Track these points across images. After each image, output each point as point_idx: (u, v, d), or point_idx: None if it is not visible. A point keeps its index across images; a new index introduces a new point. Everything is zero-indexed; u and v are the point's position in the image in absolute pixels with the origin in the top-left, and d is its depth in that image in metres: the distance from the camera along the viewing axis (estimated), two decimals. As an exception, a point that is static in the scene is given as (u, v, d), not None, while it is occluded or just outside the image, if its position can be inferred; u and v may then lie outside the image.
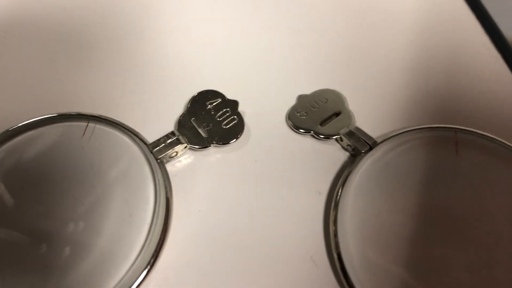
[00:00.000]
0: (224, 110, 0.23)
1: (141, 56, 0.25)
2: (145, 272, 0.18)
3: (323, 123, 0.23)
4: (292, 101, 0.23)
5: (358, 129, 0.22)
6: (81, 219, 0.20)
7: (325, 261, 0.19)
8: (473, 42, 0.26)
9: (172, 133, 0.22)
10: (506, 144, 0.21)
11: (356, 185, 0.21)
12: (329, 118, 0.23)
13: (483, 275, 0.19)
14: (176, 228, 0.20)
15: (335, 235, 0.19)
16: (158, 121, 0.23)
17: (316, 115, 0.23)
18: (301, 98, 0.23)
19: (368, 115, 0.23)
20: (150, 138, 0.22)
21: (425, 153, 0.22)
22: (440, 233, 0.20)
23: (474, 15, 0.27)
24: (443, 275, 0.19)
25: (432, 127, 0.22)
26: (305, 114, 0.23)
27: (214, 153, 0.22)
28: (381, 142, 0.21)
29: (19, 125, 0.22)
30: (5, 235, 0.19)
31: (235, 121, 0.22)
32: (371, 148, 0.21)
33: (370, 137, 0.21)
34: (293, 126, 0.23)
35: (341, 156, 0.22)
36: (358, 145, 0.21)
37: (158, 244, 0.19)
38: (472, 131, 0.22)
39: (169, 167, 0.21)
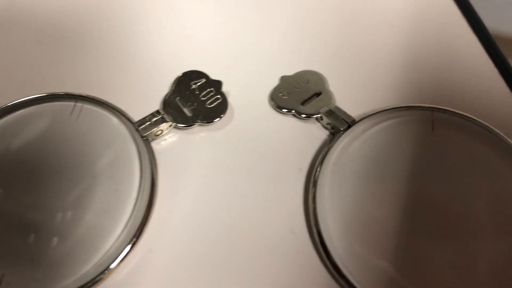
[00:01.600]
0: (208, 90, 0.23)
1: (128, 37, 0.26)
2: (130, 245, 0.19)
3: (304, 102, 0.23)
4: (275, 82, 0.24)
5: (337, 108, 0.23)
6: (69, 194, 0.20)
7: (304, 233, 0.20)
8: (452, 27, 0.27)
9: (158, 112, 0.22)
10: (480, 122, 0.22)
11: (335, 162, 0.21)
12: (310, 98, 0.23)
13: (458, 253, 0.20)
14: (161, 203, 0.21)
15: (314, 212, 0.20)
16: (144, 100, 0.23)
17: (297, 95, 0.23)
18: (283, 79, 0.24)
19: (348, 96, 0.24)
20: (136, 117, 0.22)
21: (402, 131, 0.22)
22: (415, 210, 0.21)
23: (455, 3, 0.28)
24: (418, 251, 0.20)
25: (409, 106, 0.23)
26: (287, 94, 0.23)
27: (199, 131, 0.23)
28: (360, 120, 0.22)
29: (8, 104, 0.22)
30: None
31: (219, 101, 0.23)
32: (349, 126, 0.22)
33: (349, 116, 0.22)
34: (275, 106, 0.23)
35: (322, 134, 0.23)
36: (337, 123, 0.22)
37: (143, 217, 0.20)
38: (447, 110, 0.22)
39: (154, 145, 0.22)
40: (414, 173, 0.21)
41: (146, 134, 0.22)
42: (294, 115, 0.23)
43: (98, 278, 0.19)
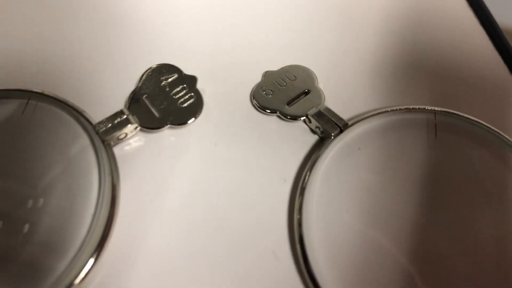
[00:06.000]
0: (181, 86, 0.20)
1: (89, 26, 0.22)
2: (87, 266, 0.16)
3: (290, 102, 0.20)
4: (257, 78, 0.21)
5: (328, 109, 0.20)
6: (17, 206, 0.18)
7: (288, 256, 0.17)
8: (459, 21, 0.24)
9: (121, 112, 0.19)
10: (490, 128, 0.19)
11: (324, 171, 0.19)
12: (297, 97, 0.21)
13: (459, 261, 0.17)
14: (123, 219, 0.18)
15: (299, 224, 0.17)
16: (107, 98, 0.20)
17: (283, 93, 0.21)
18: (267, 75, 0.21)
19: (340, 95, 0.21)
20: (97, 118, 0.19)
21: (401, 137, 0.20)
22: (414, 229, 0.18)
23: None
24: (410, 267, 0.17)
25: (409, 108, 0.20)
26: (271, 93, 0.21)
27: (169, 135, 0.20)
28: (353, 124, 0.19)
29: None
30: None
31: (192, 99, 0.20)
32: (341, 131, 0.19)
33: (341, 119, 0.19)
34: (258, 106, 0.20)
35: (309, 139, 0.20)
36: (328, 127, 0.19)
37: (102, 237, 0.17)
38: (453, 113, 0.20)
39: (117, 150, 0.19)
40: (414, 185, 0.19)
41: (107, 137, 0.19)
42: (278, 117, 0.20)
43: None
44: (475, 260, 0.17)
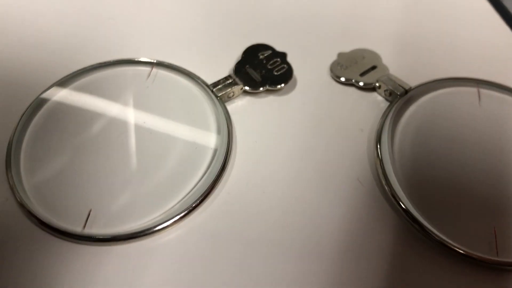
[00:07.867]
0: (275, 60, 0.25)
1: (200, 10, 0.28)
2: (210, 187, 0.21)
3: (362, 74, 0.25)
4: (333, 57, 0.26)
5: (394, 77, 0.25)
6: (154, 146, 0.22)
7: (370, 181, 0.22)
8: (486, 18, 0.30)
9: (230, 76, 0.24)
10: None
11: (394, 122, 0.23)
12: (367, 71, 0.26)
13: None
14: (235, 154, 0.22)
15: (381, 164, 0.21)
16: (216, 67, 0.25)
17: (355, 68, 0.26)
18: (341, 55, 0.26)
19: (400, 70, 0.26)
20: (209, 82, 0.24)
21: (451, 98, 0.24)
22: (462, 165, 0.22)
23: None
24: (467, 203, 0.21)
25: (457, 78, 0.25)
26: (345, 67, 0.26)
27: (266, 96, 0.25)
28: (415, 88, 0.24)
29: (94, 64, 0.25)
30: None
31: (285, 69, 0.25)
32: (406, 93, 0.24)
33: (405, 83, 0.24)
34: (335, 77, 0.25)
35: (379, 102, 0.25)
36: (395, 89, 0.24)
37: (222, 164, 0.21)
38: (491, 82, 0.25)
39: (227, 106, 0.24)
40: (461, 135, 0.23)
41: (220, 94, 0.24)
42: (353, 84, 0.25)
43: (182, 213, 0.20)
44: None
